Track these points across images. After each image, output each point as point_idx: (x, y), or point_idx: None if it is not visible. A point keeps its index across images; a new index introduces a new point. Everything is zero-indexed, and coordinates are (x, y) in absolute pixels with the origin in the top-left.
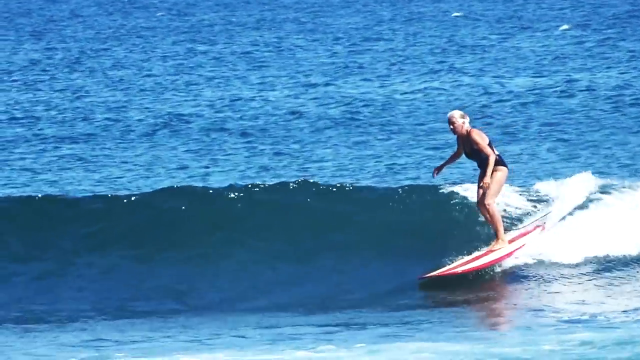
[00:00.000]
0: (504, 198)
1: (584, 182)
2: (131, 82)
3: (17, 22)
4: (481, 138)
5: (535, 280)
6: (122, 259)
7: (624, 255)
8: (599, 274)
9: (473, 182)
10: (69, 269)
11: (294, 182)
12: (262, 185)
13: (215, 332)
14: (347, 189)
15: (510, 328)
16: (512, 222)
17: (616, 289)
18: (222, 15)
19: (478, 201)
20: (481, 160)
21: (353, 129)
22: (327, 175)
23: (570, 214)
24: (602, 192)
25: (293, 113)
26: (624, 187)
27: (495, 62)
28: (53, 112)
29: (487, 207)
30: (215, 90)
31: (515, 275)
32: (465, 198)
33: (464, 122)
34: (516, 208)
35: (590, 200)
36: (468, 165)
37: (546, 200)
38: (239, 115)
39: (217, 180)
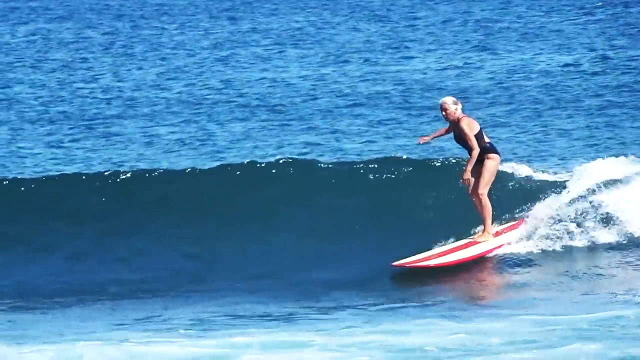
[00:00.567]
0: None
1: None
2: (171, 59)
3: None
4: (469, 128)
5: (516, 264)
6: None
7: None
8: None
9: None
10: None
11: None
12: (261, 164)
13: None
14: (342, 168)
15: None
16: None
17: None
18: None
19: (470, 190)
20: (468, 149)
21: (387, 107)
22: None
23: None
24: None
25: (311, 91)
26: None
27: (529, 38)
28: (69, 92)
29: (480, 197)
30: (240, 69)
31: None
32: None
33: (456, 109)
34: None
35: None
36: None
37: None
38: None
39: (215, 160)
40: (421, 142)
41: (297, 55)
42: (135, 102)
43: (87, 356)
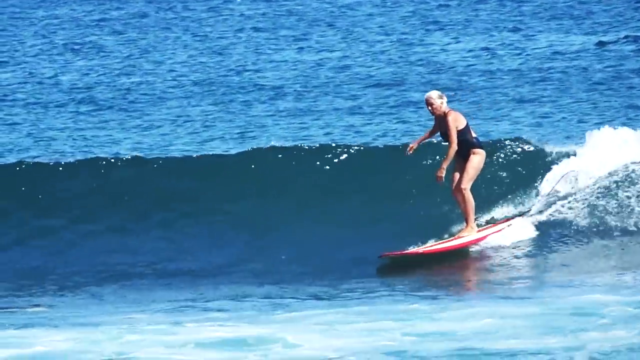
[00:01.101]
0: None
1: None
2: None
3: None
4: (454, 123)
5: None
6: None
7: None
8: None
9: None
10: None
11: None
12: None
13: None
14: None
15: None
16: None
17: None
18: None
19: (454, 186)
20: (449, 143)
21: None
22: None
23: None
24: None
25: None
26: None
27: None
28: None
29: (462, 191)
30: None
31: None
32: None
33: (442, 103)
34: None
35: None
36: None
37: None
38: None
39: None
40: (409, 152)
41: (318, 38)
42: (146, 85)
43: (125, 338)
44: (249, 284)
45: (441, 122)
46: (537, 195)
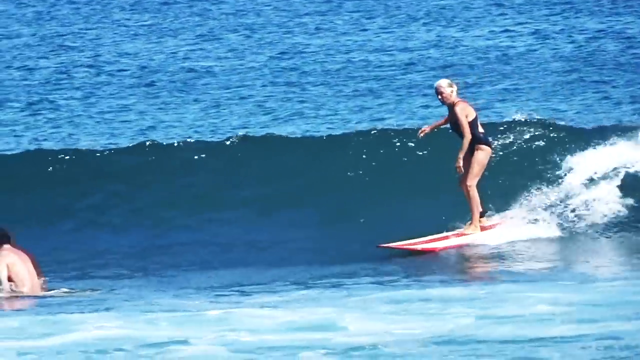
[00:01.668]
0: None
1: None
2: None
3: None
4: (464, 113)
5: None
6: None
7: None
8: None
9: None
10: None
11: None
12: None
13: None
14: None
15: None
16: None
17: None
18: None
19: (460, 181)
20: (460, 135)
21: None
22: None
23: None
24: None
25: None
26: None
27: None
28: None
29: (468, 188)
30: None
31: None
32: None
33: (452, 92)
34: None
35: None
36: None
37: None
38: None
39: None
40: (421, 135)
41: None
42: (148, 73)
43: (160, 324)
44: (306, 270)
45: (451, 112)
46: (563, 187)
